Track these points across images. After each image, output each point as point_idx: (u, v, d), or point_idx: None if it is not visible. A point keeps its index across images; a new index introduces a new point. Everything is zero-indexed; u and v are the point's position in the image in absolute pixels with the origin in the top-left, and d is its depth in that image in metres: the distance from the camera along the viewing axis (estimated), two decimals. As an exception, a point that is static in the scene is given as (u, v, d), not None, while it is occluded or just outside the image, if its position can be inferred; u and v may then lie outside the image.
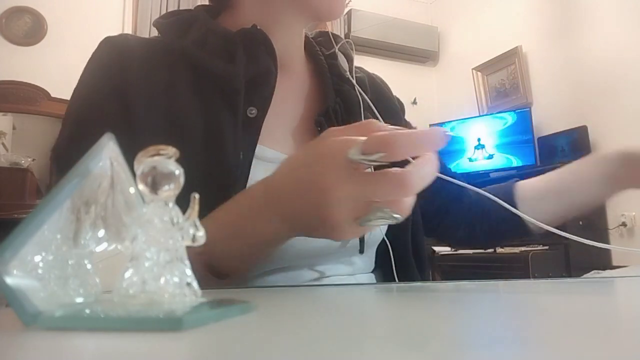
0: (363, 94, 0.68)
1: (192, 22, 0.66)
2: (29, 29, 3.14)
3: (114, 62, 0.59)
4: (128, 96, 0.57)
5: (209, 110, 0.59)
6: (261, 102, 0.61)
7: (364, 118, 0.65)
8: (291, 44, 0.70)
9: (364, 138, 0.37)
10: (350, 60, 0.73)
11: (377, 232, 0.64)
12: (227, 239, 0.46)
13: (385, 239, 0.65)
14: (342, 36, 0.78)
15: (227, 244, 0.46)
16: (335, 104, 0.67)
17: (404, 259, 0.67)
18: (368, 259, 0.66)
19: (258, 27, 0.64)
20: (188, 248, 0.26)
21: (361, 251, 0.61)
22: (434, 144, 0.38)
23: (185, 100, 0.59)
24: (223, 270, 0.48)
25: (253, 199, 0.46)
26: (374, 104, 0.68)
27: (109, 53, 0.61)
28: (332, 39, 0.75)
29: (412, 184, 0.36)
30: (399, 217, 0.38)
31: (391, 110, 0.76)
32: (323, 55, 0.74)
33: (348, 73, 0.71)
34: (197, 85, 0.60)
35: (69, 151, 0.57)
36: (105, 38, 0.62)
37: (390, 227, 0.65)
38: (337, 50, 0.73)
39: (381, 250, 0.66)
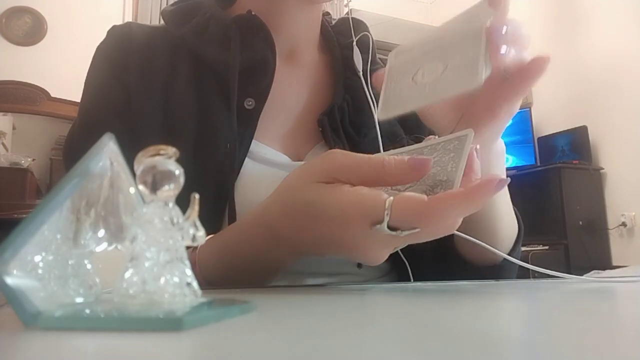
0: (370, 92, 0.61)
1: (198, 10, 0.63)
2: (29, 29, 3.14)
3: (116, 50, 0.61)
4: (128, 82, 0.58)
5: (204, 99, 0.57)
6: (258, 94, 0.58)
7: (377, 119, 0.57)
8: (298, 32, 0.65)
9: (385, 201, 0.32)
10: (366, 51, 0.65)
11: None
12: (222, 261, 0.44)
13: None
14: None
15: (221, 265, 0.44)
16: (343, 101, 0.61)
17: (419, 259, 0.60)
18: (376, 267, 0.60)
19: (253, 13, 0.61)
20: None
21: (359, 265, 0.57)
22: (478, 204, 0.32)
23: (182, 88, 0.58)
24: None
25: (251, 227, 0.43)
26: None
27: (112, 41, 0.62)
28: (352, 27, 0.66)
29: (441, 232, 0.33)
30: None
31: None
32: (340, 46, 0.67)
33: (360, 67, 0.63)
34: (195, 74, 0.59)
35: (78, 137, 0.58)
36: (111, 27, 0.64)
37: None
38: (354, 41, 0.65)
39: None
